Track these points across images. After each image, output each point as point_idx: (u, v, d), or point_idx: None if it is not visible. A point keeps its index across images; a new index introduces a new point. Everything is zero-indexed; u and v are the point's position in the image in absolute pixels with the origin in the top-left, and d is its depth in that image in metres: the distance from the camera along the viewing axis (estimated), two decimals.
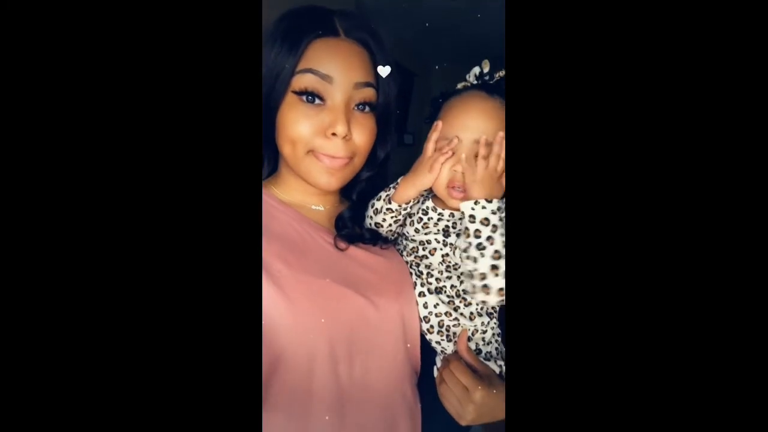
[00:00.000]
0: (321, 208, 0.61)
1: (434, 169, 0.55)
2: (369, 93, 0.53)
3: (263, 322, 0.47)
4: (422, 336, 0.61)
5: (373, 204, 0.62)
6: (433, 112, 0.61)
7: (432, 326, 0.60)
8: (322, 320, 0.50)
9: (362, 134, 0.54)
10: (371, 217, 0.62)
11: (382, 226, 0.62)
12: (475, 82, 0.58)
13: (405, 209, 0.59)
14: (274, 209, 0.57)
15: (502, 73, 0.58)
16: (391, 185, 0.61)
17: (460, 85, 0.59)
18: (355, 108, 0.53)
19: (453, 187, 0.56)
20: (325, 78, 0.50)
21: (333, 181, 0.54)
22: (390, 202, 0.59)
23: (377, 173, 0.63)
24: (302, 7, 0.53)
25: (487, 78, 0.58)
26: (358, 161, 0.56)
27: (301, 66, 0.50)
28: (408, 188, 0.57)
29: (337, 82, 0.50)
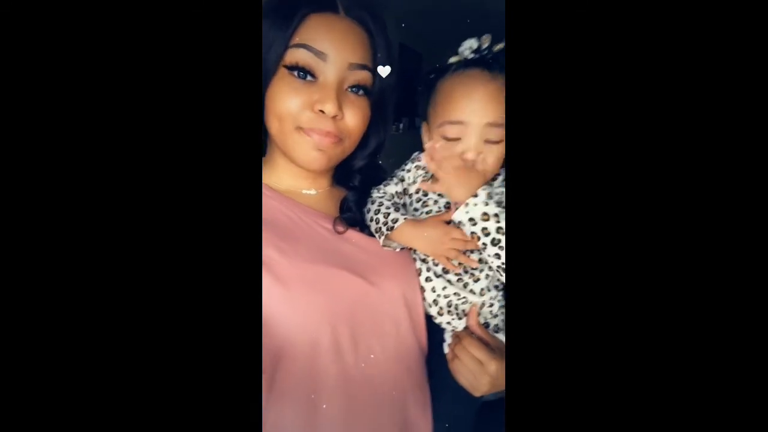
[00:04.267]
0: (312, 192, 0.59)
1: (443, 262, 0.55)
2: (364, 75, 0.51)
3: (266, 315, 0.47)
4: (428, 317, 0.60)
5: (369, 210, 0.60)
6: (426, 89, 0.59)
7: (441, 308, 0.59)
8: (322, 305, 0.49)
9: (354, 116, 0.52)
10: (369, 218, 0.59)
11: None
12: (471, 56, 0.55)
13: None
14: (264, 197, 0.55)
15: (501, 46, 0.54)
16: (387, 209, 0.57)
17: (453, 59, 0.56)
18: (349, 89, 0.51)
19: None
20: (319, 55, 0.48)
21: (321, 157, 0.52)
22: (387, 238, 0.57)
23: (371, 162, 0.62)
24: None
25: (485, 53, 0.54)
26: (348, 144, 0.54)
27: (295, 40, 0.48)
28: (406, 239, 0.56)
29: (331, 60, 0.49)
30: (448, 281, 0.58)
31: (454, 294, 0.58)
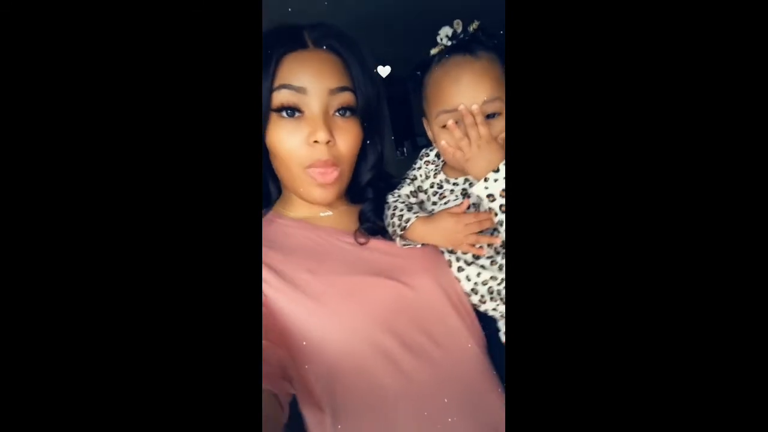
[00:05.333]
0: (329, 213, 0.62)
1: (467, 250, 0.55)
2: (346, 97, 0.54)
3: (305, 337, 0.49)
4: (476, 308, 0.59)
5: (386, 216, 0.61)
6: (416, 86, 0.61)
7: (483, 296, 0.57)
8: (360, 314, 0.50)
9: (345, 140, 0.54)
10: (387, 224, 0.61)
11: None
12: (449, 43, 0.57)
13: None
14: (286, 227, 0.58)
15: (475, 25, 0.56)
16: (401, 211, 0.58)
17: (434, 50, 0.58)
18: (336, 114, 0.54)
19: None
20: (299, 90, 0.51)
21: (327, 194, 0.55)
22: (403, 238, 0.58)
23: (377, 175, 0.64)
24: (272, 28, 0.55)
25: (462, 36, 0.56)
26: (347, 168, 0.57)
27: (276, 83, 0.51)
28: (421, 236, 0.56)
29: (311, 92, 0.51)
30: (482, 266, 0.57)
31: (491, 278, 0.56)
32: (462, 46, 0.55)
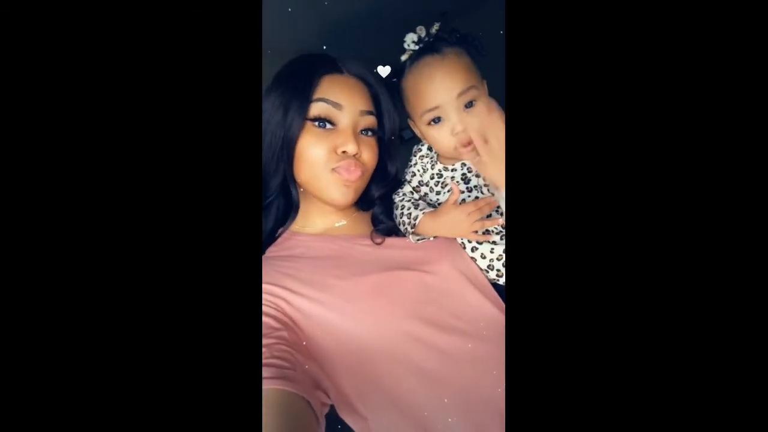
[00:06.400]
0: (343, 222, 0.68)
1: (473, 238, 0.60)
2: (372, 120, 0.63)
3: (341, 341, 0.53)
4: (495, 283, 0.63)
5: (396, 216, 0.65)
6: (394, 92, 0.66)
7: (498, 270, 0.61)
8: (390, 306, 0.55)
9: (368, 153, 0.63)
10: (398, 223, 0.65)
11: None
12: (416, 47, 0.61)
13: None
14: (306, 242, 0.64)
15: (437, 26, 0.61)
16: (408, 210, 0.62)
17: (404, 57, 0.62)
18: (361, 132, 0.62)
19: (464, 146, 0.60)
20: (336, 105, 0.60)
21: (348, 194, 0.61)
22: (415, 234, 0.62)
23: (389, 192, 0.70)
24: (311, 54, 0.65)
25: (427, 39, 0.61)
26: (366, 176, 0.64)
27: (315, 96, 0.59)
28: (430, 230, 0.61)
29: (345, 109, 0.60)
30: (493, 242, 0.61)
31: (505, 251, 0.60)
32: (428, 48, 0.60)
